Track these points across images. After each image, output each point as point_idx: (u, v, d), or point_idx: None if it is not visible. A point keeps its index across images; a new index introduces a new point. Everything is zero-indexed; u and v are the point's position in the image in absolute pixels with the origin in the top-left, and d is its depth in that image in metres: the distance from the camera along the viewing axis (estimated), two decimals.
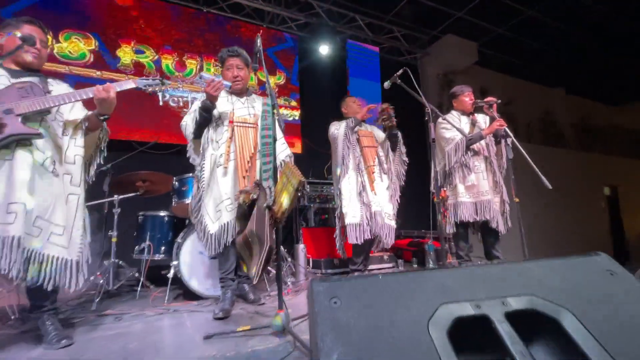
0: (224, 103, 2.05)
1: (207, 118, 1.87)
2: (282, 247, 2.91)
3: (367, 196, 2.47)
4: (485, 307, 0.61)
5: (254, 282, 1.42)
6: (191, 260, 2.15)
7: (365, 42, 5.39)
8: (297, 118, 4.70)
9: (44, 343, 1.41)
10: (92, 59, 3.61)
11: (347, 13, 5.04)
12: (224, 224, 1.79)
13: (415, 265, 3.44)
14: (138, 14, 3.92)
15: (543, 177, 2.35)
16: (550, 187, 2.30)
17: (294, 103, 4.72)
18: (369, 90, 5.09)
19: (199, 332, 1.51)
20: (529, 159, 2.44)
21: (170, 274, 2.13)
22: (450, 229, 2.71)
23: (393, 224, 2.57)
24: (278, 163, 2.09)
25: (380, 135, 2.79)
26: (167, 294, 2.10)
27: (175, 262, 2.13)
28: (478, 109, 2.90)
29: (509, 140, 2.56)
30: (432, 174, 2.72)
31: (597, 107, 9.56)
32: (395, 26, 5.54)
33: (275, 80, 4.63)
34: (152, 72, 3.89)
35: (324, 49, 4.74)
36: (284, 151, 2.16)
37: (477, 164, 2.68)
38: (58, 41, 3.48)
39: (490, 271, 0.68)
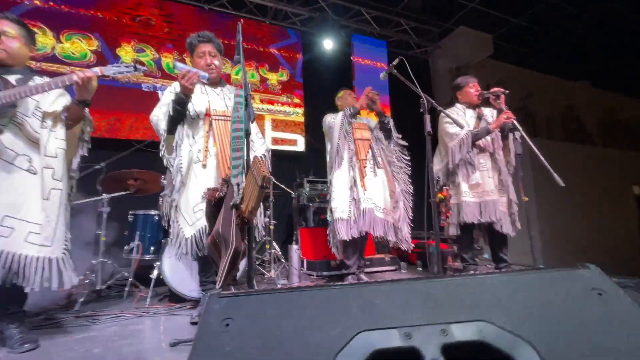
0: (198, 94, 1.90)
1: (181, 112, 1.74)
2: (275, 248, 2.82)
3: (357, 192, 2.33)
4: (418, 336, 0.46)
5: (217, 287, 1.32)
6: (175, 262, 2.08)
7: (373, 36, 5.22)
8: (300, 115, 4.59)
9: (6, 346, 1.36)
10: (94, 59, 3.63)
11: (352, 6, 4.88)
12: (203, 227, 1.68)
13: (420, 269, 3.27)
14: (139, 13, 3.92)
15: (555, 174, 2.14)
16: (562, 184, 2.09)
17: (297, 100, 4.61)
18: (376, 85, 4.90)
19: (168, 338, 1.43)
20: (539, 154, 2.23)
21: (154, 275, 2.07)
22: (453, 231, 2.53)
23: (389, 218, 2.41)
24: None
25: (374, 125, 2.63)
26: (149, 295, 2.04)
27: (158, 263, 2.07)
28: (485, 102, 2.70)
29: (517, 135, 2.36)
30: (429, 171, 2.54)
31: (627, 101, 8.96)
32: (403, 19, 5.34)
33: (277, 77, 4.54)
34: (153, 70, 3.88)
35: (328, 44, 4.61)
36: (262, 146, 2.05)
37: (482, 161, 2.48)
38: (60, 42, 3.51)
39: (435, 287, 0.53)
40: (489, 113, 2.66)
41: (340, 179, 2.37)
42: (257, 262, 2.75)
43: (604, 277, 0.56)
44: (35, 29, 3.44)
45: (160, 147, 1.76)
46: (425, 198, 1.93)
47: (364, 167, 2.40)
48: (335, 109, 2.80)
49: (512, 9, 5.63)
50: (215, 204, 1.41)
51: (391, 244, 2.44)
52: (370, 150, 2.48)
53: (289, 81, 4.61)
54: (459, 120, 2.52)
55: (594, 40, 6.59)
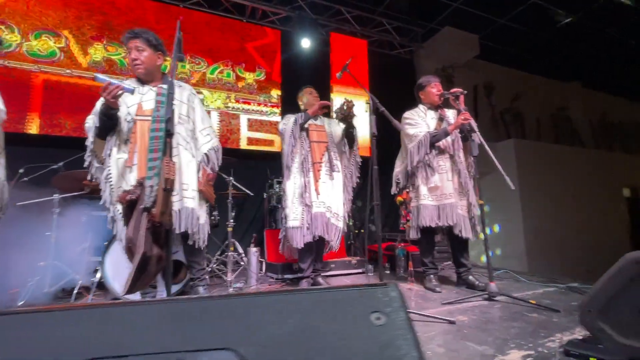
0: (131, 96, 1.85)
1: (109, 123, 1.71)
2: (238, 250, 2.77)
3: (309, 197, 2.28)
4: None
5: (122, 294, 1.27)
6: (117, 263, 2.04)
7: (354, 36, 5.16)
8: (277, 115, 4.54)
9: None
10: (61, 57, 3.59)
11: (332, 5, 4.83)
12: None
13: (388, 272, 3.21)
14: (109, 11, 3.88)
15: (507, 178, 2.09)
16: (513, 187, 2.04)
17: (274, 100, 4.56)
18: (354, 85, 4.86)
19: None
20: (493, 157, 2.18)
21: (96, 278, 2.03)
22: (413, 234, 2.48)
23: (340, 224, 2.37)
24: (200, 156, 1.98)
25: (338, 131, 2.58)
26: (91, 298, 1.99)
27: (98, 267, 2.02)
28: (447, 102, 2.64)
29: (474, 136, 2.30)
30: (372, 173, 2.49)
31: (618, 102, 8.87)
32: (385, 19, 5.28)
33: (254, 77, 4.49)
34: (124, 69, 3.84)
35: (306, 43, 4.55)
36: (207, 143, 2.01)
37: (441, 164, 2.43)
38: (27, 40, 3.47)
39: (178, 307, 0.45)
40: (451, 114, 2.60)
41: (291, 187, 2.34)
42: (215, 265, 2.71)
43: (396, 299, 0.49)
44: (2, 27, 3.41)
45: (86, 157, 1.72)
46: (368, 201, 1.87)
47: (318, 170, 2.34)
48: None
49: (497, 9, 5.57)
50: (129, 207, 1.36)
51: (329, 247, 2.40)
52: (326, 153, 2.43)
53: (266, 80, 4.56)
54: (419, 122, 2.48)
55: (583, 39, 6.51)
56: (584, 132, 8.16)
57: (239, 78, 4.39)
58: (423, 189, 2.42)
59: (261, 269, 2.73)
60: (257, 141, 4.37)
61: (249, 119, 4.35)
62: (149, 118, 1.84)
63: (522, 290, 2.31)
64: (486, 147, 2.22)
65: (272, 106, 4.54)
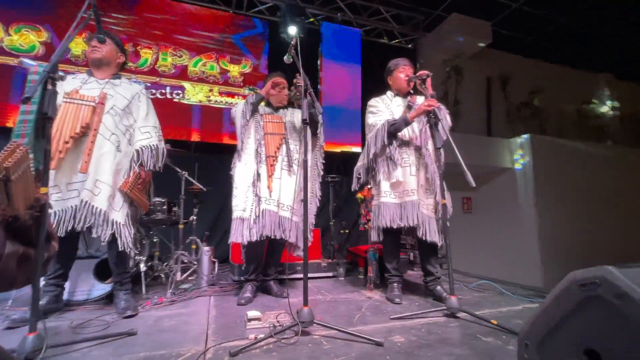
0: (73, 81, 1.91)
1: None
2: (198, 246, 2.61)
3: (259, 190, 2.06)
4: None
5: None
6: None
7: (349, 25, 4.88)
8: None
9: None
10: (42, 51, 3.60)
11: None
12: None
13: (361, 276, 2.93)
14: (101, 7, 3.85)
15: (469, 175, 1.78)
16: (474, 184, 1.73)
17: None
18: (346, 76, 4.59)
19: None
20: (457, 151, 1.86)
21: None
22: (375, 236, 2.20)
23: (296, 218, 2.13)
24: (126, 153, 1.88)
25: (300, 118, 2.34)
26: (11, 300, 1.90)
27: None
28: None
29: (440, 126, 1.99)
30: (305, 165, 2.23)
31: None
32: (383, 6, 4.96)
33: (239, 69, 4.34)
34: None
35: (292, 30, 4.33)
36: (142, 140, 1.95)
37: (405, 157, 2.14)
38: (8, 34, 3.51)
39: None
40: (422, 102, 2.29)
41: (241, 173, 2.11)
42: (165, 264, 2.56)
43: None
44: None
45: None
46: (305, 197, 1.63)
47: (271, 164, 2.11)
48: None
49: None
50: None
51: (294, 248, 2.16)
52: (283, 147, 2.19)
53: (252, 73, 4.39)
54: (382, 110, 2.20)
55: (613, 25, 5.83)
56: (614, 128, 7.37)
57: (222, 71, 4.26)
58: (384, 185, 2.14)
59: (213, 270, 2.55)
60: None
61: None
62: (85, 102, 1.81)
63: (498, 306, 1.98)
64: (450, 139, 1.91)
65: None
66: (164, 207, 2.64)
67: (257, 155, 2.12)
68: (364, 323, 1.67)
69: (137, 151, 1.92)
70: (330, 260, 2.97)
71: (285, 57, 2.13)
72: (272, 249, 2.26)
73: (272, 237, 2.03)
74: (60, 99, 1.77)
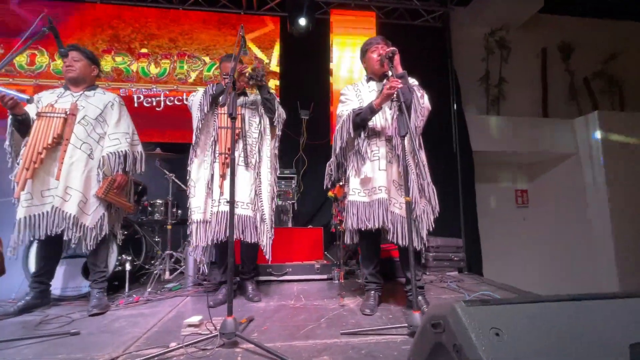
0: (50, 97, 2.09)
1: (20, 125, 1.95)
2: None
3: (212, 192, 2.01)
4: None
5: None
6: None
7: (367, 9, 4.57)
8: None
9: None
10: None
11: None
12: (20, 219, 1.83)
13: (359, 280, 2.71)
14: (117, 24, 4.22)
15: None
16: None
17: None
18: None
19: None
20: (415, 140, 1.56)
21: None
22: (348, 239, 1.99)
23: (250, 213, 2.01)
24: (99, 159, 1.98)
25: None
26: None
27: None
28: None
29: (413, 109, 1.70)
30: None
31: None
32: None
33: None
34: (130, 76, 4.15)
35: (302, 22, 4.21)
36: (110, 147, 2.06)
37: (374, 149, 1.88)
38: (53, 59, 4.02)
39: None
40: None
41: (195, 172, 2.07)
42: (154, 264, 2.66)
43: None
44: (35, 51, 4.03)
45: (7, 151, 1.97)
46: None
47: (224, 162, 2.04)
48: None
49: None
50: None
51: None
52: (239, 142, 2.11)
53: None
54: (351, 98, 1.98)
55: None
56: None
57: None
58: (353, 182, 1.92)
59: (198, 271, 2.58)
60: None
61: None
62: (57, 114, 1.97)
63: None
64: (410, 125, 1.61)
65: None
66: (162, 208, 2.76)
67: (212, 152, 2.07)
68: (307, 337, 1.50)
69: (103, 158, 2.01)
70: (325, 262, 2.81)
71: (241, 52, 2.05)
72: (242, 248, 2.20)
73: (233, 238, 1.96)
74: (33, 113, 1.96)
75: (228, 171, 2.03)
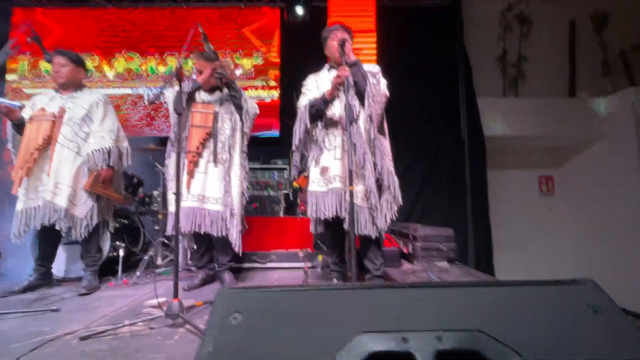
0: (43, 99, 2.30)
1: (19, 130, 2.18)
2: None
3: (180, 187, 2.12)
4: (414, 341, 0.51)
5: None
6: None
7: None
8: (276, 98, 4.40)
9: None
10: (94, 73, 4.39)
11: None
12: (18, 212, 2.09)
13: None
14: (129, 27, 4.48)
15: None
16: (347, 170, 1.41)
17: (272, 82, 4.42)
18: (359, 56, 4.22)
19: None
20: (363, 133, 1.54)
21: None
22: (313, 228, 2.02)
23: (218, 207, 2.10)
24: (84, 155, 2.16)
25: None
26: None
27: None
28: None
29: (352, 98, 1.68)
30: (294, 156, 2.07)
31: None
32: None
33: (252, 62, 4.45)
34: (142, 74, 4.41)
35: (299, 10, 4.20)
36: (94, 144, 2.22)
37: (331, 138, 1.88)
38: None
39: (428, 294, 0.58)
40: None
41: (173, 167, 2.19)
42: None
43: (600, 293, 0.58)
44: None
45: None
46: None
47: (191, 161, 2.12)
48: None
49: None
50: None
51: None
52: (210, 142, 2.18)
53: (263, 63, 4.45)
54: (311, 88, 1.99)
55: None
56: None
57: (236, 66, 4.43)
58: (313, 172, 1.93)
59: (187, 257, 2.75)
60: (256, 127, 4.34)
61: None
62: (45, 118, 2.17)
63: None
64: (364, 113, 1.59)
65: (271, 88, 4.41)
66: (159, 199, 2.96)
67: (183, 149, 2.17)
68: None
69: (88, 155, 2.19)
70: (310, 250, 2.86)
71: (206, 47, 2.12)
72: (217, 241, 2.29)
73: (197, 231, 2.08)
74: (27, 117, 2.18)
75: (195, 169, 2.15)
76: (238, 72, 4.42)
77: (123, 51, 4.42)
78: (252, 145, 4.04)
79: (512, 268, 4.76)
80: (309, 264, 2.43)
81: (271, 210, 3.37)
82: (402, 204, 1.87)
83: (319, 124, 1.88)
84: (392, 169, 1.86)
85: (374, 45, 4.21)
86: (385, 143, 1.91)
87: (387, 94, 1.84)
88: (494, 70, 4.89)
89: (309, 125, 1.88)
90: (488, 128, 4.56)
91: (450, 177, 4.34)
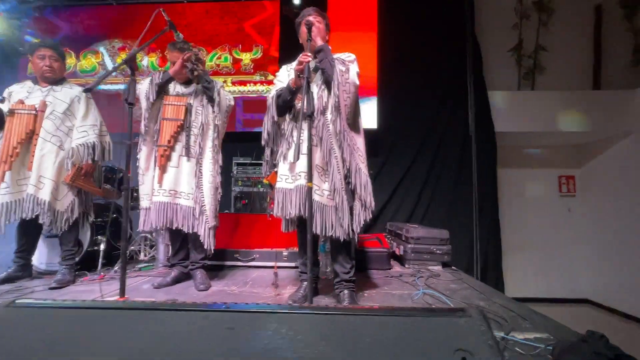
0: (20, 91, 2.26)
1: None
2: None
3: (152, 181, 2.06)
4: None
5: None
6: None
7: None
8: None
9: None
10: (99, 70, 4.47)
11: None
12: None
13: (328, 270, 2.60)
14: (135, 24, 4.52)
15: None
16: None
17: (271, 77, 4.32)
18: (360, 45, 4.05)
19: None
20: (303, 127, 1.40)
21: None
22: (284, 227, 1.91)
23: (190, 203, 2.04)
24: (69, 150, 2.14)
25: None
26: None
27: None
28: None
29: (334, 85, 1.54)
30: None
31: None
32: None
33: (251, 56, 4.37)
34: (142, 71, 4.45)
35: (296, 0, 4.08)
36: (78, 139, 2.21)
37: (298, 132, 1.74)
38: (79, 60, 4.49)
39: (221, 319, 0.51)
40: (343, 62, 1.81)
41: (143, 161, 2.13)
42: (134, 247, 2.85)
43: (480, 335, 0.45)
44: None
45: None
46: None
47: (162, 155, 2.05)
48: None
49: None
50: None
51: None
52: (182, 135, 2.10)
53: (262, 57, 4.36)
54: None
55: None
56: None
57: (235, 61, 4.37)
58: (282, 168, 1.81)
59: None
60: (253, 122, 4.28)
61: (244, 102, 4.30)
62: (27, 111, 2.17)
63: None
64: (329, 103, 1.45)
65: (269, 83, 4.31)
66: None
67: (154, 142, 2.11)
68: None
69: (73, 149, 2.18)
70: (294, 249, 2.75)
71: (175, 37, 2.05)
72: (191, 238, 2.21)
73: (169, 227, 2.02)
74: (6, 109, 2.18)
75: (168, 163, 2.09)
76: (237, 67, 4.35)
77: (126, 48, 4.47)
78: (247, 140, 4.04)
79: (524, 273, 4.45)
80: (278, 265, 2.32)
81: (260, 207, 3.29)
82: (372, 205, 1.71)
83: (287, 116, 1.76)
84: (362, 167, 1.71)
85: (375, 34, 4.02)
86: (357, 138, 1.75)
87: (357, 82, 1.69)
88: (507, 61, 4.56)
89: (276, 118, 1.76)
90: (500, 123, 4.26)
91: (455, 175, 4.08)
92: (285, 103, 1.73)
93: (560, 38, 4.58)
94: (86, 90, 1.71)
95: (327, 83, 1.66)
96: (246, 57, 4.37)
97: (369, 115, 4.00)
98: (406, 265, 2.69)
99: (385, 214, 4.10)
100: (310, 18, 1.76)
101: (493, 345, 0.39)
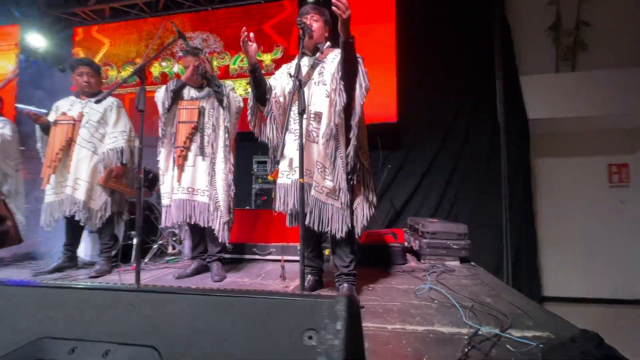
0: (65, 104, 2.58)
1: (47, 132, 2.48)
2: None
3: (172, 181, 2.23)
4: (80, 354, 0.46)
5: None
6: None
7: None
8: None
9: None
10: (137, 81, 4.86)
11: None
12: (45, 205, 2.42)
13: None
14: (163, 34, 4.85)
15: None
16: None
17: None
18: (379, 38, 3.99)
19: None
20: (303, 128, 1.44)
21: None
22: (288, 222, 1.98)
23: (205, 199, 2.19)
24: (100, 154, 2.40)
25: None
26: None
27: None
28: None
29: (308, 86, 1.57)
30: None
31: None
32: None
33: (272, 57, 4.49)
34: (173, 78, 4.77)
35: None
36: (109, 144, 2.48)
37: (296, 128, 1.79)
38: (120, 72, 4.93)
39: (120, 300, 0.51)
40: (331, 57, 1.84)
41: (165, 162, 2.31)
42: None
43: (341, 317, 0.43)
44: (108, 67, 4.98)
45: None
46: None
47: (180, 156, 2.22)
48: None
49: None
50: None
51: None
52: (197, 136, 2.25)
53: (283, 57, 4.46)
54: (275, 77, 1.96)
55: None
56: None
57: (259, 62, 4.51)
58: (282, 164, 1.88)
59: None
60: None
61: None
62: (67, 121, 2.47)
63: None
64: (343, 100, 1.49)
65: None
66: None
67: (172, 145, 2.28)
68: None
69: (104, 153, 2.45)
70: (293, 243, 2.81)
71: (184, 44, 2.19)
72: (207, 232, 2.36)
73: (188, 222, 2.18)
74: (53, 117, 2.50)
75: (185, 163, 2.25)
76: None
77: (160, 59, 4.81)
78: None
79: (565, 271, 4.12)
80: (291, 258, 2.39)
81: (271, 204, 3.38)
82: (374, 201, 1.72)
83: (291, 113, 1.82)
84: (365, 164, 1.73)
85: (393, 25, 3.94)
86: (361, 135, 1.76)
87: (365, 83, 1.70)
88: (541, 42, 4.20)
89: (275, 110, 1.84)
90: (534, 110, 3.96)
91: (484, 167, 3.88)
92: (253, 91, 1.85)
93: (606, 11, 4.13)
94: (97, 101, 1.91)
95: (347, 81, 1.66)
96: (267, 58, 4.50)
97: (389, 107, 3.93)
98: (422, 261, 2.64)
99: (408, 209, 4.02)
100: (305, 20, 1.80)
101: (341, 329, 0.40)
